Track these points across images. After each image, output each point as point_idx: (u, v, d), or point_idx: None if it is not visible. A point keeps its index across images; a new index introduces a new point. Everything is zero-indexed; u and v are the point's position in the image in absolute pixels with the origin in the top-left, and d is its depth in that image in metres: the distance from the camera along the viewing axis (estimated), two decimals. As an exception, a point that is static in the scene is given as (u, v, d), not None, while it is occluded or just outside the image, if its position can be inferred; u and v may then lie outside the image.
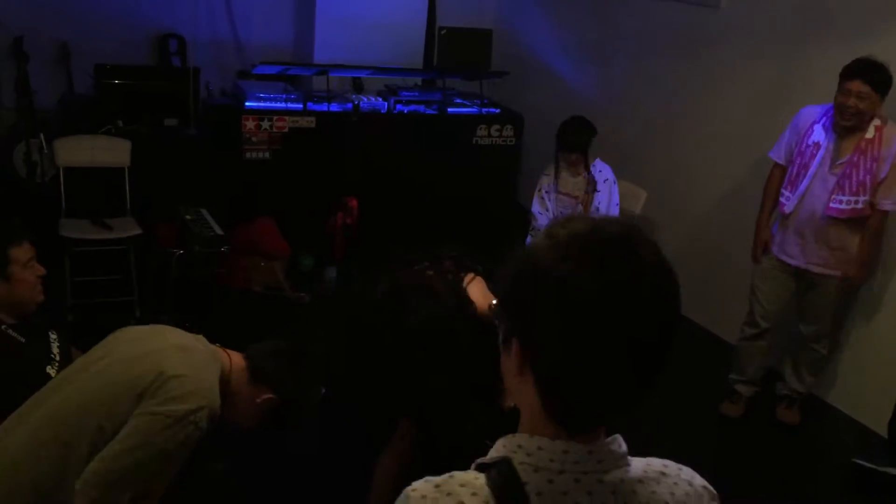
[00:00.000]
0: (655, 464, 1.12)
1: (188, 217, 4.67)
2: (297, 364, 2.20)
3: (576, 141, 4.38)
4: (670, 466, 1.13)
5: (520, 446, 1.05)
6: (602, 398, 1.02)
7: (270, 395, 2.08)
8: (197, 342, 2.06)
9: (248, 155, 5.19)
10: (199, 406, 1.82)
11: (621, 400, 1.02)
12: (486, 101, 5.86)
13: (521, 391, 1.06)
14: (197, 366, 1.92)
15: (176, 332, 2.08)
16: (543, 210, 4.54)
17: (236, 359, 2.11)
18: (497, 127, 5.80)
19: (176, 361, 1.88)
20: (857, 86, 3.48)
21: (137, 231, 4.55)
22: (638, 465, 1.10)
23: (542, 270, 1.00)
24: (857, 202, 3.58)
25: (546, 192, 4.55)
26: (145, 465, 1.75)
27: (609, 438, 1.07)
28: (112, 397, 1.82)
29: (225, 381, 2.00)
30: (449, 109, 5.76)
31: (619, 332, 0.97)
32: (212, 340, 4.35)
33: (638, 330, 0.98)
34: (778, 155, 3.91)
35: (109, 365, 1.92)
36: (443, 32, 6.08)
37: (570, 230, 1.02)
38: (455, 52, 6.10)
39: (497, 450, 1.07)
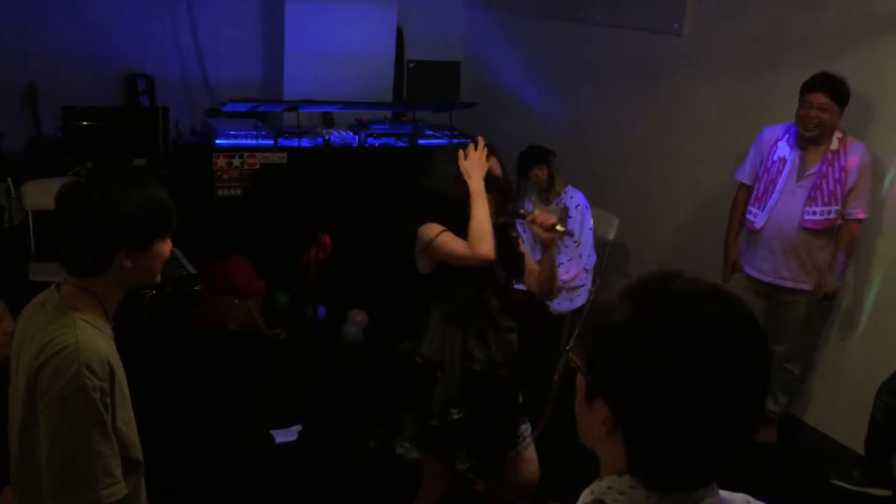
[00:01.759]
0: (738, 498, 1.16)
1: (160, 257, 4.62)
2: (115, 193, 1.76)
3: (537, 153, 4.48)
4: (752, 500, 1.17)
5: (610, 488, 1.06)
6: (696, 464, 1.04)
7: (122, 253, 1.75)
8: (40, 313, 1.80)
9: (219, 192, 5.18)
10: (71, 374, 1.65)
11: (718, 461, 1.05)
12: (456, 132, 5.90)
13: (606, 446, 1.07)
14: (47, 341, 1.71)
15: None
16: None
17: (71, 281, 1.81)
18: (468, 157, 5.83)
19: (31, 357, 1.72)
20: (818, 98, 3.60)
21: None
22: (726, 496, 1.13)
23: (616, 336, 1.02)
24: (829, 212, 3.67)
25: (520, 223, 4.57)
26: (78, 450, 1.65)
27: None
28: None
29: (91, 298, 1.78)
30: (420, 141, 5.79)
31: (715, 398, 0.98)
32: (188, 381, 4.31)
33: (745, 390, 1.00)
34: (743, 176, 4.01)
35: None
36: (411, 66, 6.13)
37: (663, 299, 1.02)
38: (424, 85, 6.15)
39: (586, 497, 1.08)
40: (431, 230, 2.62)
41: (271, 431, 3.92)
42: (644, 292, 1.04)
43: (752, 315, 1.04)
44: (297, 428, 3.96)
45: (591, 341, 1.07)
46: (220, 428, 3.93)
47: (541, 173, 4.51)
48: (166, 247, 1.85)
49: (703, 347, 0.98)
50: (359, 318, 5.07)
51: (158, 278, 1.89)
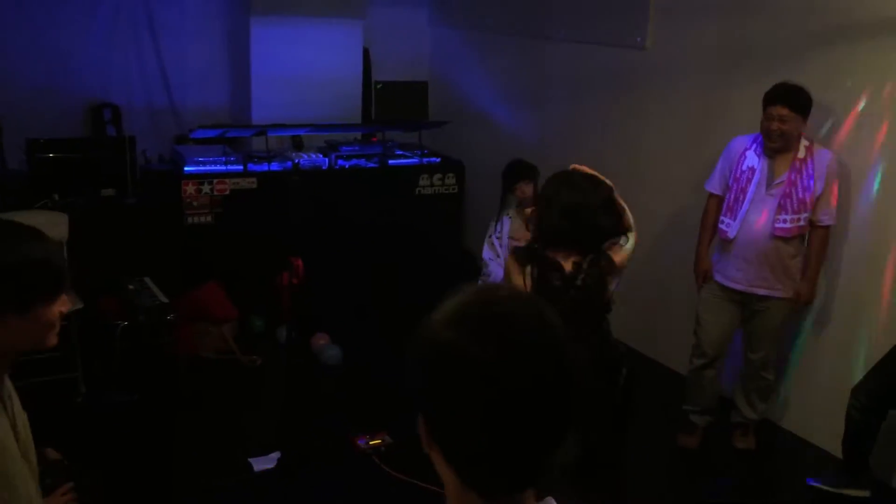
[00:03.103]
0: None
1: (131, 287, 4.59)
2: None
3: (525, 169, 4.51)
4: None
5: None
6: (509, 468, 1.00)
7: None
8: None
9: (189, 220, 5.14)
10: None
11: (532, 466, 1.01)
12: (426, 151, 5.93)
13: (436, 461, 1.05)
14: None
15: None
16: (495, 256, 4.57)
17: None
18: (439, 176, 5.86)
19: None
20: (778, 110, 3.65)
21: (79, 305, 4.44)
22: None
23: (430, 342, 1.01)
24: (799, 220, 3.72)
25: (496, 237, 4.60)
26: None
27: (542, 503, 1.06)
28: None
29: None
30: (390, 161, 5.81)
31: (516, 402, 0.96)
32: (163, 411, 4.25)
33: (534, 397, 0.97)
34: (713, 186, 4.04)
35: None
36: (379, 87, 6.15)
37: (460, 300, 1.02)
38: (392, 105, 6.18)
39: None
40: (615, 257, 3.04)
41: (249, 459, 3.87)
42: (449, 303, 1.04)
43: (557, 321, 1.02)
44: (275, 455, 3.92)
45: (408, 356, 1.06)
46: (197, 457, 3.87)
47: (527, 189, 4.51)
48: (53, 310, 1.65)
49: (492, 350, 0.96)
50: (322, 340, 5.03)
51: (54, 341, 1.70)
